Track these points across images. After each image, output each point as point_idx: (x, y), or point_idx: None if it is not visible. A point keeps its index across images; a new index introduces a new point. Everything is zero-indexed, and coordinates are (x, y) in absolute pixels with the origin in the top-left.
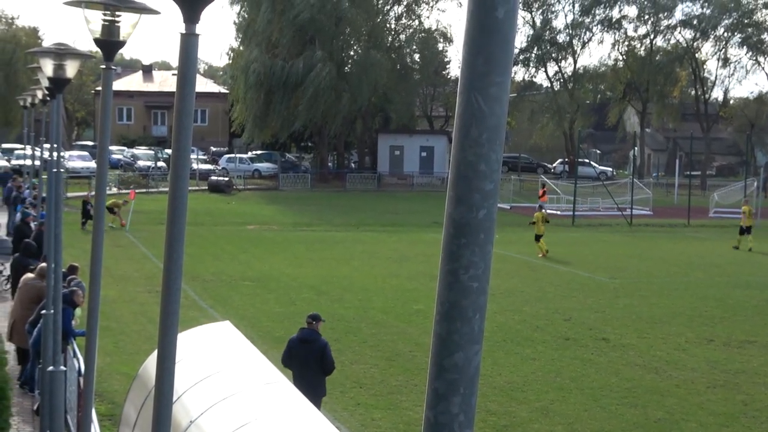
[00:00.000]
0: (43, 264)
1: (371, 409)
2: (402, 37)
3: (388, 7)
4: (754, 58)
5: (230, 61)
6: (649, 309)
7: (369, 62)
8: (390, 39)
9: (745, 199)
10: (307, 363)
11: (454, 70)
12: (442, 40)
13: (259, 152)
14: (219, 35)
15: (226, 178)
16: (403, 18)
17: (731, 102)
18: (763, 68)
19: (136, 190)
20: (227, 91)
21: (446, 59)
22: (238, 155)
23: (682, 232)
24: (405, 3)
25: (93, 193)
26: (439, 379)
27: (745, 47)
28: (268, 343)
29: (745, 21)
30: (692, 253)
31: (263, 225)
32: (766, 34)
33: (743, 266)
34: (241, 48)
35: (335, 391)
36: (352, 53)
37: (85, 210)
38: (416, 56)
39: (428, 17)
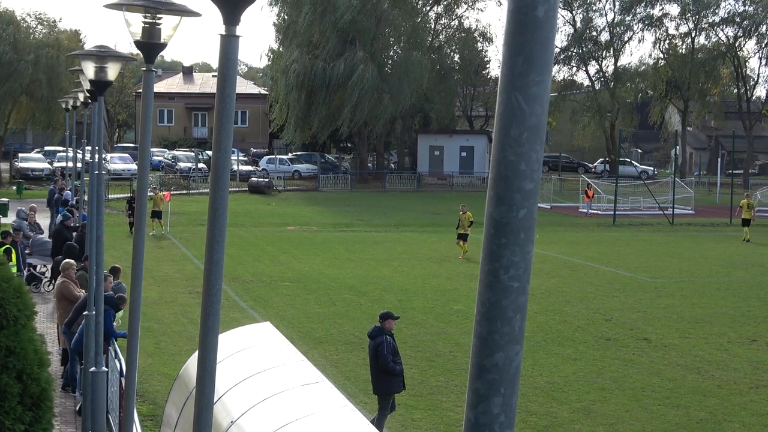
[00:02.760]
0: (65, 260)
1: (411, 410)
2: (442, 37)
3: (428, 8)
4: None
5: (270, 63)
6: (690, 309)
7: (409, 63)
8: (430, 39)
9: (747, 193)
10: (371, 358)
11: (494, 69)
12: (481, 39)
13: (298, 153)
14: (258, 37)
15: (266, 179)
16: (443, 18)
17: None
18: None
19: (175, 192)
20: (267, 93)
21: (486, 59)
22: (278, 156)
23: (724, 232)
24: (444, 3)
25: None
26: (480, 380)
27: None
28: (308, 344)
29: None
30: (734, 253)
31: (303, 226)
32: None
33: None
34: (280, 49)
35: (371, 391)
36: (392, 54)
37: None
38: (456, 56)
39: (468, 17)
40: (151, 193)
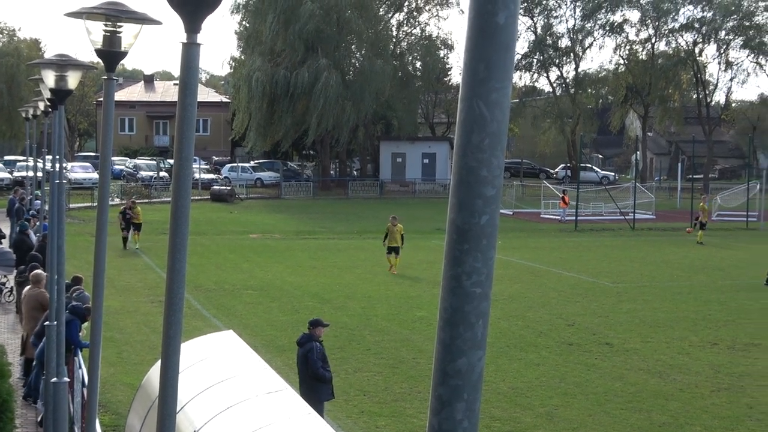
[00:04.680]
0: (35, 271)
1: (375, 417)
2: (404, 44)
3: (390, 15)
4: (756, 60)
5: (232, 71)
6: (652, 313)
7: (372, 70)
8: (392, 46)
9: (704, 196)
10: (299, 365)
11: (456, 76)
12: (443, 47)
13: (261, 161)
14: (221, 45)
15: (229, 188)
16: (405, 25)
17: (733, 105)
18: (765, 70)
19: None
20: (229, 101)
21: (448, 66)
22: (240, 164)
23: (685, 236)
24: (406, 10)
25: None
26: (443, 386)
27: (746, 50)
28: (271, 352)
29: (747, 24)
30: (695, 257)
31: (266, 234)
32: (767, 36)
33: (746, 269)
34: (243, 57)
35: (339, 399)
36: (354, 61)
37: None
38: (418, 63)
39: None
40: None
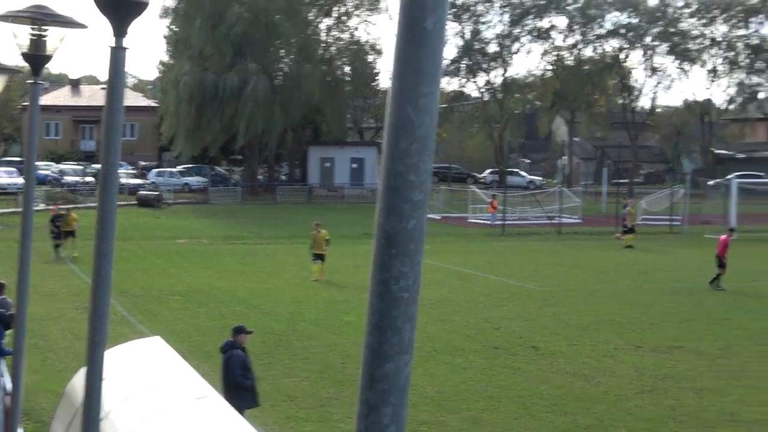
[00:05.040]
0: None
1: (302, 422)
2: (333, 49)
3: (319, 20)
4: (680, 66)
5: (160, 75)
6: (578, 317)
7: (301, 75)
8: (321, 51)
9: (631, 201)
10: (221, 373)
11: (384, 81)
12: (372, 52)
13: (188, 166)
14: (150, 49)
15: (156, 193)
16: (334, 30)
17: (658, 110)
18: (689, 76)
19: (62, 206)
20: (157, 105)
21: (376, 71)
22: (167, 169)
23: (610, 240)
24: (335, 15)
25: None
26: (370, 390)
27: (671, 56)
28: (199, 358)
29: (672, 30)
30: (620, 261)
31: (193, 239)
32: (691, 42)
33: (670, 273)
34: (171, 61)
35: (265, 405)
36: (283, 66)
37: (56, 228)
38: (347, 68)
39: (358, 29)
40: (63, 212)
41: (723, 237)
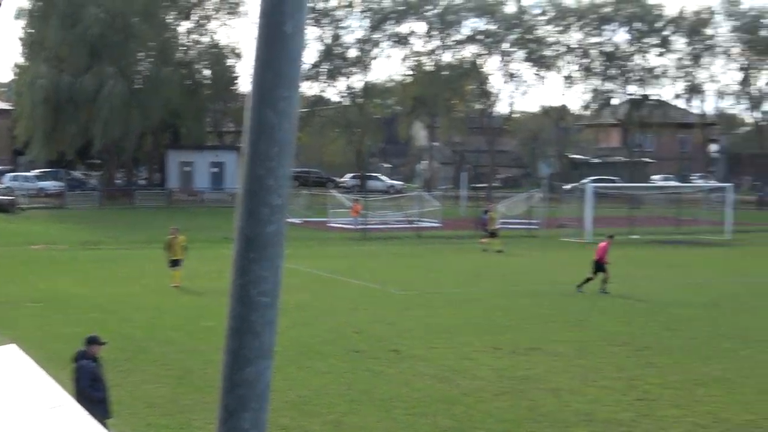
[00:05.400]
0: None
1: (162, 429)
2: (192, 52)
3: (178, 22)
4: (537, 72)
5: (15, 77)
6: (438, 319)
7: (159, 78)
8: (180, 54)
9: (491, 206)
10: (73, 383)
11: (245, 85)
12: (232, 55)
13: (45, 170)
14: (3, 51)
15: (10, 197)
16: (193, 33)
17: (515, 115)
18: (545, 82)
19: None
20: (12, 108)
21: (236, 75)
22: (22, 173)
23: (469, 243)
24: (194, 18)
25: None
26: (230, 395)
27: (528, 62)
28: (56, 366)
29: (528, 37)
30: (480, 264)
31: (50, 244)
32: (547, 49)
33: (528, 275)
34: (26, 63)
35: (124, 412)
36: (142, 69)
37: None
38: (206, 72)
39: (217, 33)
40: None
41: (602, 243)
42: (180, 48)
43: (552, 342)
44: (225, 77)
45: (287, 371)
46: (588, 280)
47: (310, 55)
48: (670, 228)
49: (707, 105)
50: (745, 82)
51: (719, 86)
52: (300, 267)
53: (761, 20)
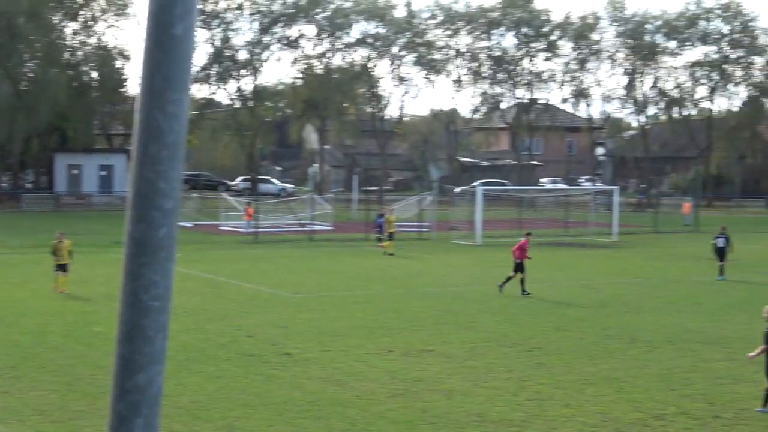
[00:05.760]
0: None
1: None
2: (79, 54)
3: (64, 24)
4: (427, 76)
5: None
6: (330, 323)
7: (46, 80)
8: (67, 56)
9: (388, 209)
10: None
11: (134, 87)
12: (120, 57)
13: None
14: None
15: None
16: (81, 34)
17: (406, 119)
18: (435, 86)
19: None
20: None
21: (125, 77)
22: None
23: (361, 247)
24: (81, 20)
25: None
26: (122, 402)
27: (418, 66)
28: None
29: (418, 41)
30: (371, 267)
31: None
32: (437, 53)
33: (420, 278)
34: None
35: (12, 420)
36: (27, 70)
37: None
38: (94, 74)
39: (105, 34)
40: None
41: (522, 240)
42: (67, 49)
43: (444, 344)
44: (113, 79)
45: (179, 376)
46: (509, 279)
47: (200, 57)
48: (559, 230)
49: (594, 109)
50: (630, 86)
51: (605, 90)
52: (192, 271)
53: (645, 26)
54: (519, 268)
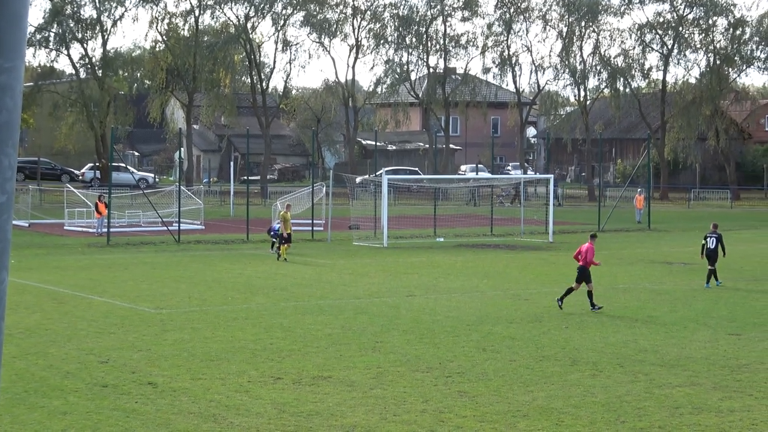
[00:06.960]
0: None
1: None
2: None
3: None
4: (319, 40)
5: None
6: (203, 344)
7: None
8: None
9: (287, 204)
10: None
11: None
12: None
13: None
14: None
15: None
16: None
17: (294, 93)
18: (329, 53)
19: None
20: None
21: None
22: None
23: (240, 250)
24: None
25: None
26: None
27: (308, 27)
28: None
29: None
30: (253, 275)
31: None
32: (331, 11)
33: (314, 288)
34: None
35: None
36: None
37: None
38: None
39: None
40: None
41: (587, 244)
42: None
43: (344, 369)
44: None
45: (16, 412)
46: (570, 291)
47: (35, 15)
48: (484, 229)
49: (523, 81)
50: (566, 53)
51: (536, 58)
52: (29, 282)
53: None
54: (584, 276)
